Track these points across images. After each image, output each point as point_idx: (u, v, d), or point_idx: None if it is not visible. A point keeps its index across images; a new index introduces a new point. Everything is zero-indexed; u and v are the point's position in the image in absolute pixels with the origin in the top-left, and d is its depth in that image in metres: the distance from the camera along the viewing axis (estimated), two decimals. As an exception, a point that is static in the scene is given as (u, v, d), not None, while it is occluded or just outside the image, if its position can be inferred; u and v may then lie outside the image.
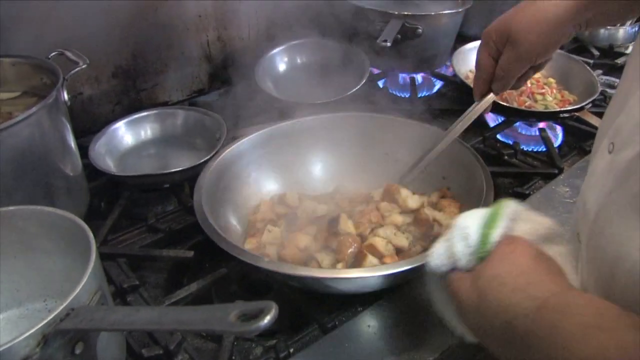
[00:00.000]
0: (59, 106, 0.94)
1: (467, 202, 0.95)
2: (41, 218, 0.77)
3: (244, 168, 1.06)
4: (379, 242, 0.89)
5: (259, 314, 0.46)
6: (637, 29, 1.80)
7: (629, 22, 1.83)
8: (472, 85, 1.38)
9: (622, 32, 1.80)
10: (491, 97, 1.00)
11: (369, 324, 0.84)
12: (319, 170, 1.14)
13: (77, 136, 1.03)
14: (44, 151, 0.92)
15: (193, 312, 0.50)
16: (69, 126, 0.99)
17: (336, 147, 1.13)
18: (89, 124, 1.31)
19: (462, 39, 1.62)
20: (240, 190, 1.05)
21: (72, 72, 1.01)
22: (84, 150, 1.10)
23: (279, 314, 0.87)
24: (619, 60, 1.69)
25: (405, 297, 0.88)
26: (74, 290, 0.61)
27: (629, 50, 1.78)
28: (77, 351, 0.61)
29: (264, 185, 1.09)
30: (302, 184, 1.11)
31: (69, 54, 1.05)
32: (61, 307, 0.59)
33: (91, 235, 0.70)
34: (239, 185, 1.05)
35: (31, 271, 0.80)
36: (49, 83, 1.00)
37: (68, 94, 0.97)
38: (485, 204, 0.87)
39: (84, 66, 1.03)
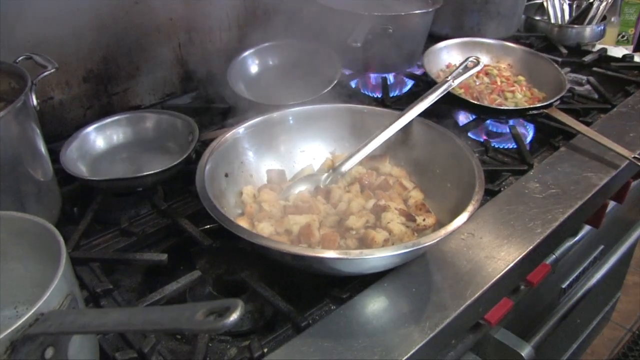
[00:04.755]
0: (27, 111, 0.93)
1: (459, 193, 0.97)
2: (11, 224, 0.76)
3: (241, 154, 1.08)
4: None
5: (225, 312, 0.47)
6: (602, 27, 1.84)
7: (595, 21, 1.87)
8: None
9: (589, 30, 1.83)
10: (447, 85, 1.03)
11: (341, 321, 0.84)
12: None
13: (49, 141, 1.02)
14: (13, 156, 0.91)
15: (162, 312, 0.51)
16: (38, 131, 0.98)
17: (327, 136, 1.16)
18: (60, 128, 1.30)
19: (433, 38, 1.64)
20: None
21: (41, 76, 1.00)
22: (55, 155, 1.09)
23: (253, 314, 0.89)
24: (586, 58, 1.72)
25: (376, 294, 0.89)
26: (44, 295, 0.61)
27: (595, 49, 1.81)
28: (48, 356, 0.60)
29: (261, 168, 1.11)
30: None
31: (37, 58, 1.04)
32: (30, 313, 0.59)
33: (61, 239, 0.70)
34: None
35: (1, 278, 0.79)
36: (18, 88, 0.99)
37: (38, 98, 0.97)
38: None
39: (52, 70, 1.02)
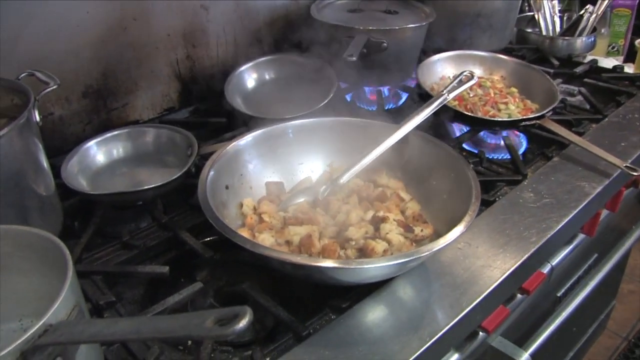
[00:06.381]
0: (30, 126, 0.95)
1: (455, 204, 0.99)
2: (16, 237, 0.77)
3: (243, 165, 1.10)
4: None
5: (234, 319, 0.48)
6: (593, 39, 1.87)
7: (585, 33, 1.90)
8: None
9: (580, 42, 1.86)
10: (442, 99, 1.10)
11: (341, 330, 0.86)
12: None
13: (49, 156, 1.03)
14: (17, 171, 0.92)
15: (171, 320, 0.52)
16: (41, 146, 0.99)
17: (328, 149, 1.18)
18: (60, 143, 1.32)
19: (426, 51, 1.66)
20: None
21: (43, 92, 1.02)
22: (56, 169, 1.10)
23: (255, 325, 0.90)
24: (578, 69, 1.75)
25: (376, 303, 0.91)
26: (52, 306, 0.62)
27: (586, 60, 1.84)
28: (56, 366, 0.62)
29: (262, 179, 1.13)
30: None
31: (39, 74, 1.06)
32: (39, 324, 0.60)
33: (67, 251, 0.71)
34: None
35: (6, 291, 0.80)
36: (20, 104, 1.00)
37: (39, 114, 0.98)
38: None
39: (54, 87, 1.04)
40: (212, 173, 0.99)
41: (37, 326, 0.60)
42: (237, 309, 0.49)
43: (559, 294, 1.50)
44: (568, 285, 1.53)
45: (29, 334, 0.59)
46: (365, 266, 0.81)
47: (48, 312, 0.62)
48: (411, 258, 0.82)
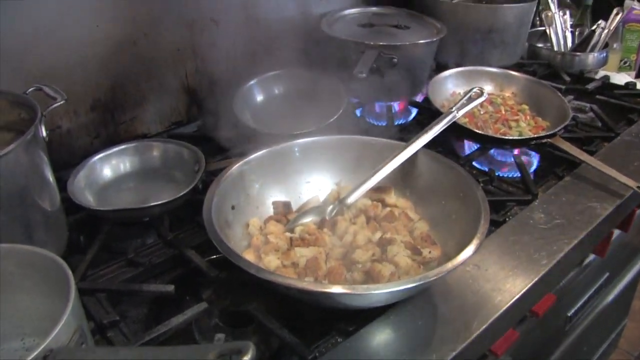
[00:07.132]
0: (37, 142, 0.94)
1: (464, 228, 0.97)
2: (19, 256, 0.77)
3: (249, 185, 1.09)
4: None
5: (237, 354, 0.47)
6: (605, 54, 1.85)
7: (597, 48, 1.89)
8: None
9: (591, 58, 1.84)
10: (452, 117, 1.10)
11: (348, 354, 0.84)
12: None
13: (55, 169, 1.03)
14: (22, 187, 0.91)
15: (172, 353, 0.51)
16: (47, 161, 0.98)
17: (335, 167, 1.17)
18: (67, 157, 1.31)
19: (437, 67, 1.65)
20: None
21: (50, 107, 1.01)
22: (62, 183, 1.10)
23: (259, 346, 0.89)
24: (589, 86, 1.73)
25: (383, 327, 0.89)
26: (53, 330, 0.62)
27: (598, 75, 1.83)
28: (57, 392, 0.61)
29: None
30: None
31: (47, 89, 1.05)
32: (40, 349, 0.60)
33: (70, 273, 0.71)
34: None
35: (9, 310, 0.80)
36: (27, 118, 1.00)
37: (46, 127, 0.97)
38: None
39: (62, 102, 1.03)
40: (217, 194, 0.98)
41: (37, 351, 0.59)
42: (240, 345, 0.47)
43: (569, 314, 1.48)
44: (579, 305, 1.51)
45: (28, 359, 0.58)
46: (372, 292, 0.79)
47: (49, 337, 0.61)
48: (418, 283, 0.80)
